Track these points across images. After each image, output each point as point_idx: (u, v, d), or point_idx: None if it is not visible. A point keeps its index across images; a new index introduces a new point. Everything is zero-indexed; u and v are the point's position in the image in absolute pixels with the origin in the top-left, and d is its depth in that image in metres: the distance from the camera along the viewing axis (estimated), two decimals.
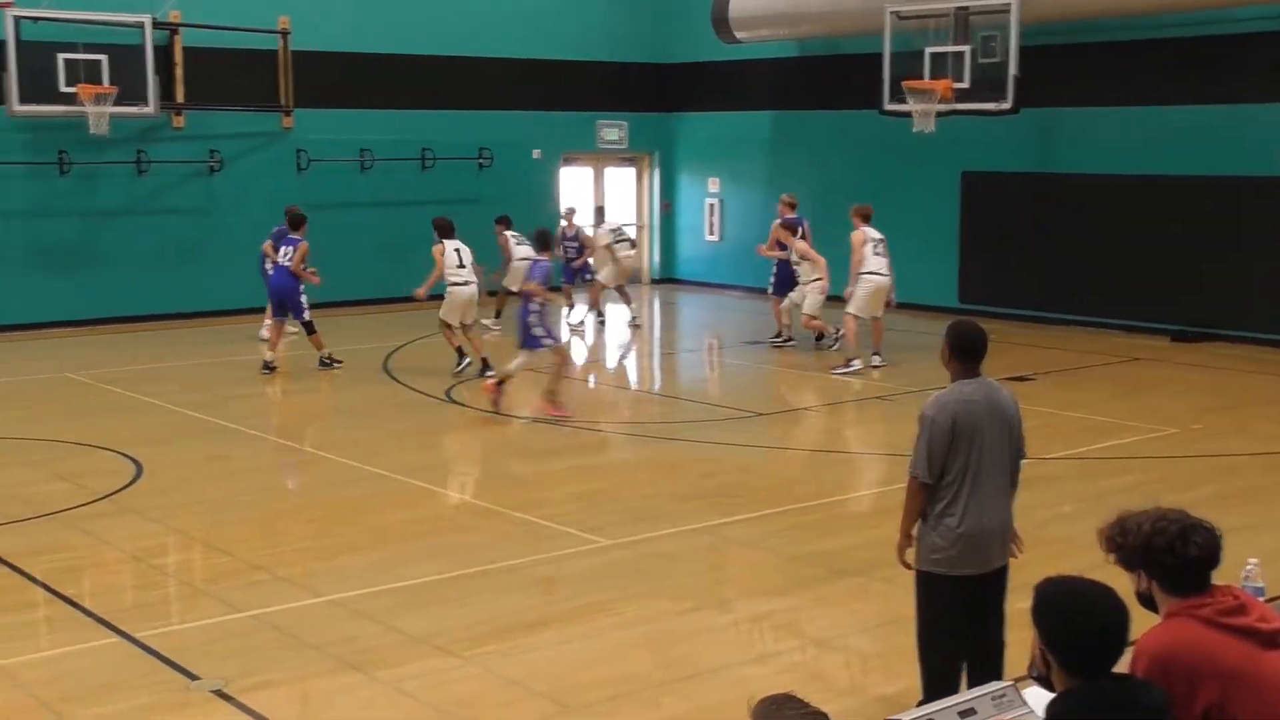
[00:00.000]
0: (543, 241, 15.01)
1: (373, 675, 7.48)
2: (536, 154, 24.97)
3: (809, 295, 17.64)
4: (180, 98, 21.04)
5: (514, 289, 18.39)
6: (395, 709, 7.13)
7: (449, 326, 16.56)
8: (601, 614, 8.58)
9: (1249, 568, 5.58)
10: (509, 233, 19.81)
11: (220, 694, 7.15)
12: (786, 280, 18.52)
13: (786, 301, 18.38)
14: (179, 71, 20.97)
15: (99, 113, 19.30)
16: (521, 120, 24.57)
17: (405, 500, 11.48)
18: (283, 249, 16.99)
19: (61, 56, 19.19)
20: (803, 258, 17.86)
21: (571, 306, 21.37)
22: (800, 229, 18.43)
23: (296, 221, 17.10)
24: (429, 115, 23.53)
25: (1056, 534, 9.52)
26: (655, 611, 8.67)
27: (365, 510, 11.24)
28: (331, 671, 7.57)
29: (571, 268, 21.24)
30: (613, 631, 8.30)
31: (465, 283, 16.40)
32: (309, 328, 16.91)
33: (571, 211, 21.87)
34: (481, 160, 23.94)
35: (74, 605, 8.52)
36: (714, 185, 25.77)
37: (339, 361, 17.00)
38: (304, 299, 16.81)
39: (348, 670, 7.56)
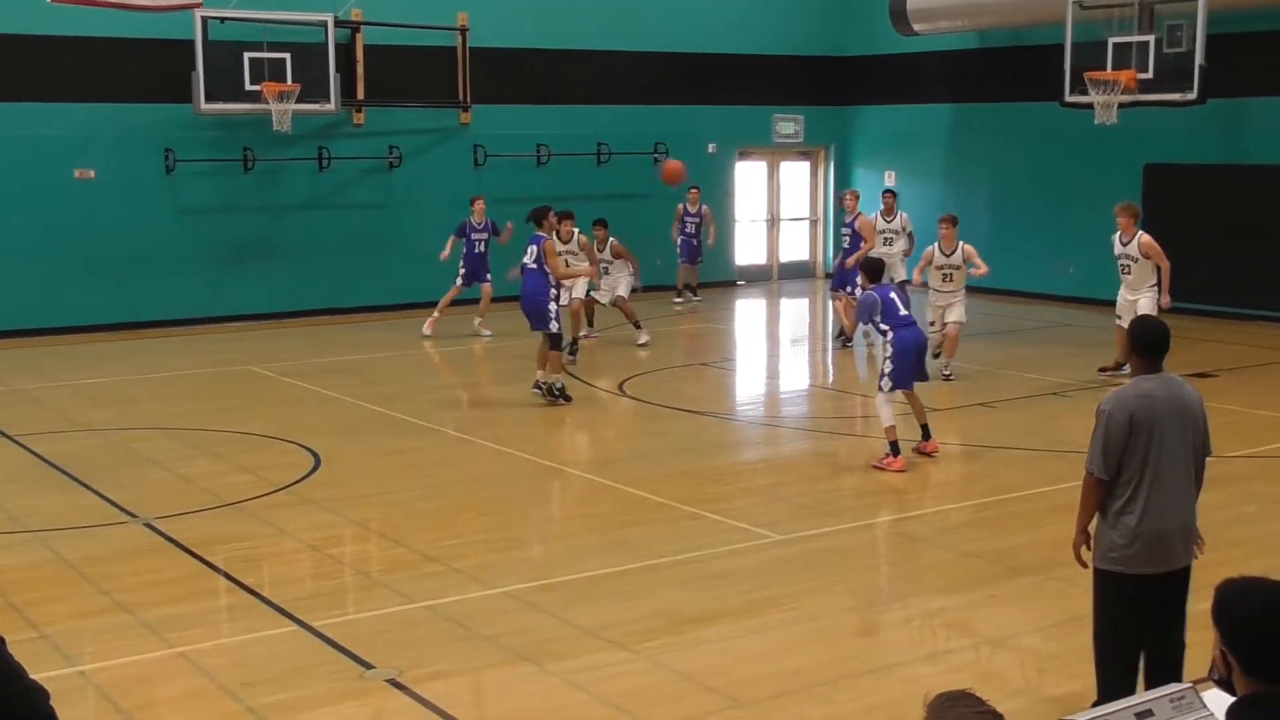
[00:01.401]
0: None
1: (544, 667, 7.49)
2: (711, 148, 24.91)
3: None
4: (361, 95, 21.47)
5: (603, 300, 18.36)
6: (566, 701, 7.13)
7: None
8: (773, 609, 8.49)
9: None
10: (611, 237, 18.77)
11: (394, 683, 7.23)
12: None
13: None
14: (360, 69, 21.40)
15: (282, 110, 19.79)
16: (697, 115, 24.53)
17: (579, 494, 11.52)
18: (528, 249, 14.78)
19: (247, 55, 19.72)
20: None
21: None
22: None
23: (538, 215, 14.86)
24: (604, 110, 23.64)
25: (1240, 535, 9.18)
26: (827, 607, 8.55)
27: (539, 504, 11.32)
28: (504, 663, 7.60)
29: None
30: (784, 627, 8.21)
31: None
32: (554, 342, 14.49)
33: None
34: (656, 155, 23.97)
35: (254, 594, 8.71)
36: (890, 179, 25.43)
37: (566, 398, 14.58)
38: (552, 308, 14.41)
39: (520, 662, 7.58)
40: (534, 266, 14.52)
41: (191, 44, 19.33)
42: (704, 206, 22.64)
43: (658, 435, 13.93)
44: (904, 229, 18.65)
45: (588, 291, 17.96)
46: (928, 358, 12.69)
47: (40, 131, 19.38)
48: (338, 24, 20.47)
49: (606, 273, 18.36)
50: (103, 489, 11.25)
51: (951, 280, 15.47)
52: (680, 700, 7.11)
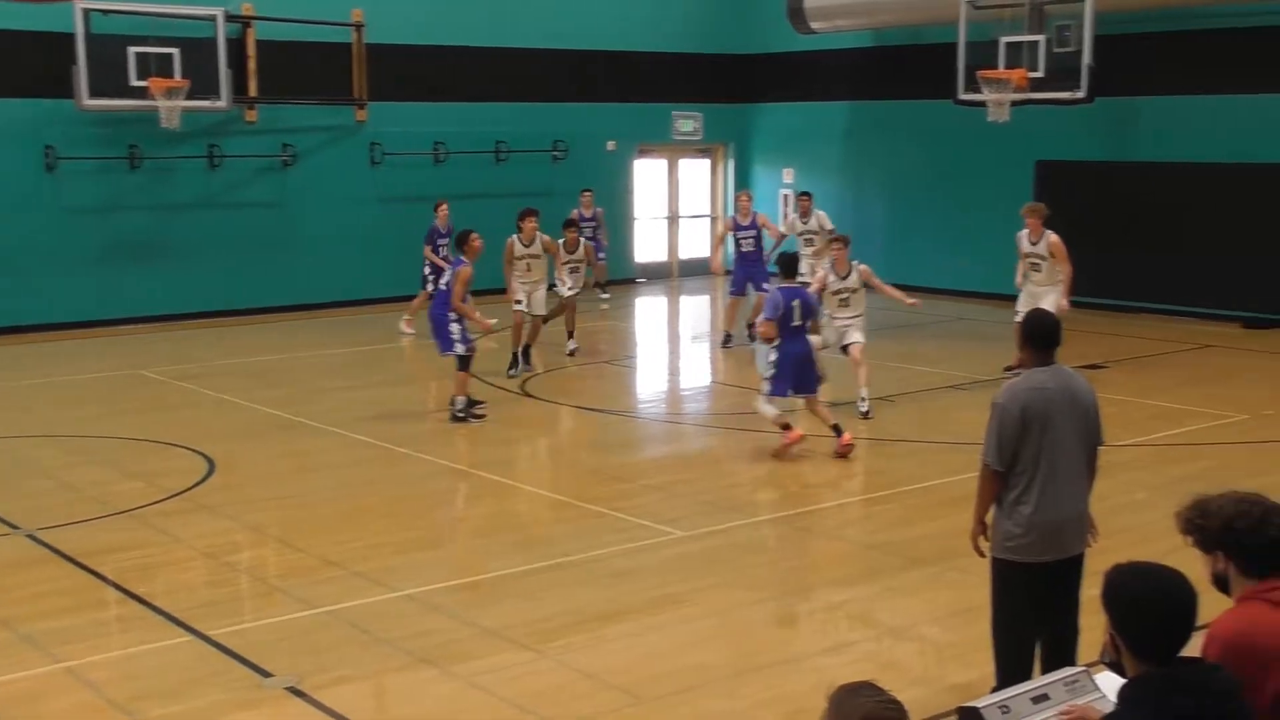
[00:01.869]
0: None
1: (447, 670, 7.39)
2: (611, 145, 24.86)
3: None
4: (253, 91, 21.10)
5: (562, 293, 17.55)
6: (470, 704, 7.04)
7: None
8: (676, 605, 8.46)
9: None
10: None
11: (294, 691, 7.08)
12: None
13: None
14: (252, 65, 21.02)
15: (171, 106, 19.35)
16: (596, 112, 24.47)
17: (481, 495, 11.41)
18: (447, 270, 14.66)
19: (132, 50, 19.19)
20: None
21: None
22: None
23: (460, 240, 14.26)
24: (503, 107, 23.47)
25: (1129, 521, 9.33)
26: (730, 602, 8.54)
27: (441, 506, 11.19)
28: (406, 667, 7.48)
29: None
30: (687, 623, 8.19)
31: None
32: (463, 363, 13.85)
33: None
34: (556, 153, 23.84)
35: (145, 604, 8.49)
36: (788, 176, 25.55)
37: (478, 416, 13.91)
38: (455, 329, 13.78)
39: (422, 665, 7.47)
40: (443, 289, 14.19)
41: (73, 37, 18.82)
42: (599, 210, 22.54)
43: (560, 434, 13.83)
44: (822, 228, 18.66)
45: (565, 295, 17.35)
46: (817, 369, 12.60)
47: None
48: (229, 19, 20.08)
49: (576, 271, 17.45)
50: None
51: (848, 305, 14.17)
52: (583, 698, 7.05)
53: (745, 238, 18.40)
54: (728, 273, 19.73)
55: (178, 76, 19.41)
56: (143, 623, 8.21)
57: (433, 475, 11.92)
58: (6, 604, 8.48)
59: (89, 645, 7.87)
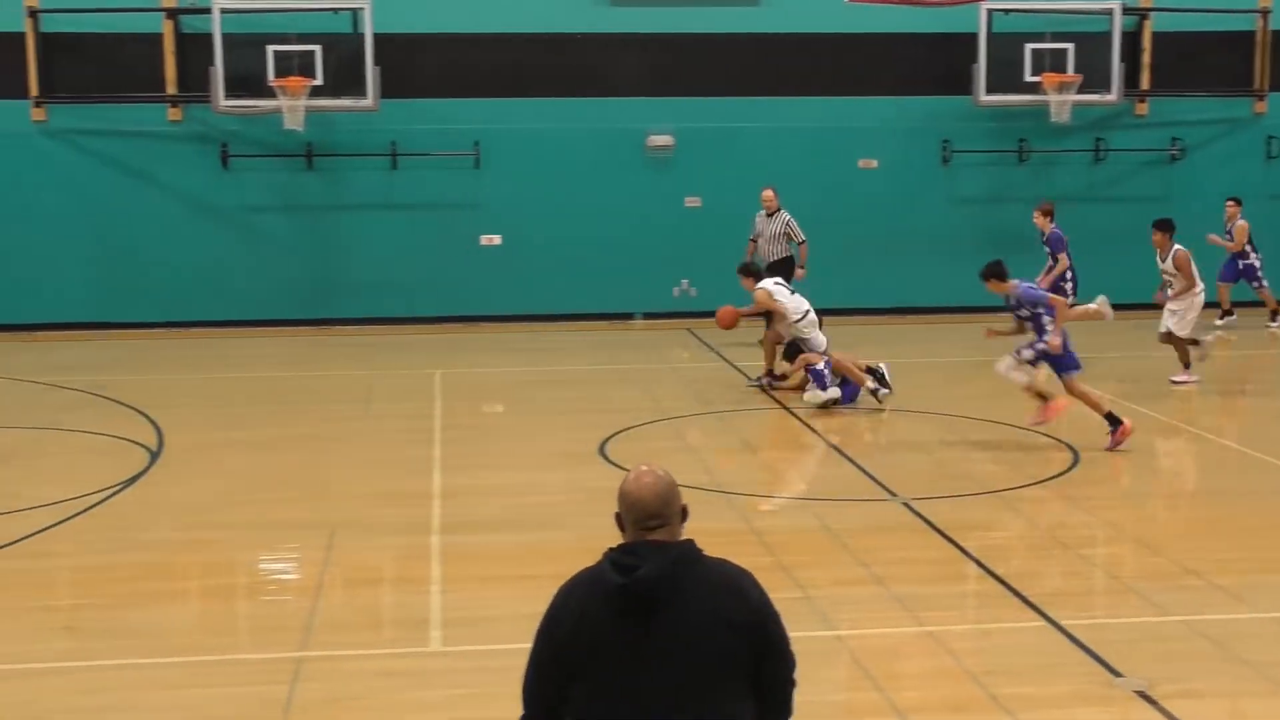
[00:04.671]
0: None
1: None
2: None
3: None
4: (1145, 84, 20.82)
5: None
6: None
7: None
8: None
9: None
10: None
11: (1143, 695, 6.98)
12: None
13: None
14: (1146, 58, 20.76)
15: (1061, 101, 19.66)
16: None
17: None
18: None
19: (1029, 46, 19.82)
20: None
21: None
22: None
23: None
24: None
25: None
26: None
27: None
28: (1269, 693, 7.12)
29: None
30: None
31: None
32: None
33: None
34: None
35: (1002, 583, 8.72)
36: None
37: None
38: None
39: None
40: None
41: (973, 37, 19.69)
42: None
43: None
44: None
45: None
46: None
47: (833, 124, 20.53)
48: (1125, 11, 19.99)
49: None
50: (867, 466, 11.76)
51: None
52: None
53: None
54: None
55: (1070, 71, 19.77)
56: (999, 601, 8.45)
57: None
58: (880, 563, 9.08)
59: (949, 614, 8.26)
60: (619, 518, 3.97)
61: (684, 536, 3.97)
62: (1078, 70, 19.74)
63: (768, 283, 14.80)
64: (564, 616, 3.89)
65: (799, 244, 17.63)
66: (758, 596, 3.96)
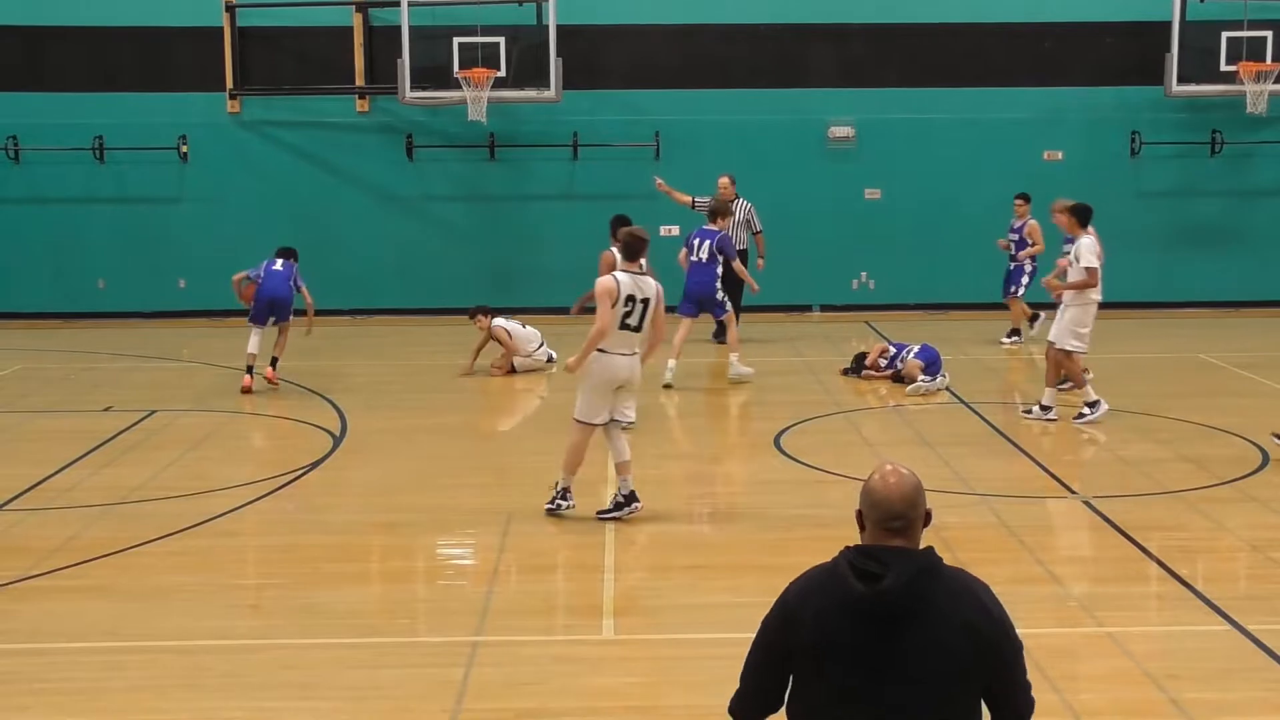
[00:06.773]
0: None
1: None
2: None
3: None
4: None
5: None
6: None
7: None
8: None
9: None
10: None
11: None
12: None
13: None
14: None
15: (1258, 91, 19.05)
16: None
17: None
18: None
19: (1225, 34, 19.38)
20: None
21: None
22: None
23: None
24: None
25: None
26: None
27: None
28: None
29: None
30: None
31: None
32: None
33: None
34: None
35: (1186, 585, 8.51)
36: None
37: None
38: None
39: None
40: None
41: (1166, 25, 19.18)
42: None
43: None
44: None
45: None
46: None
47: (1017, 115, 20.29)
48: None
49: None
50: (1046, 462, 11.56)
51: None
52: None
53: None
54: None
55: (1269, 60, 19.21)
56: (1183, 604, 8.25)
57: None
58: (1058, 562, 8.98)
59: (1130, 615, 8.09)
60: (859, 515, 3.92)
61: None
62: (1277, 59, 19.09)
63: None
64: (804, 617, 3.84)
65: (755, 234, 17.49)
66: (998, 611, 3.92)
